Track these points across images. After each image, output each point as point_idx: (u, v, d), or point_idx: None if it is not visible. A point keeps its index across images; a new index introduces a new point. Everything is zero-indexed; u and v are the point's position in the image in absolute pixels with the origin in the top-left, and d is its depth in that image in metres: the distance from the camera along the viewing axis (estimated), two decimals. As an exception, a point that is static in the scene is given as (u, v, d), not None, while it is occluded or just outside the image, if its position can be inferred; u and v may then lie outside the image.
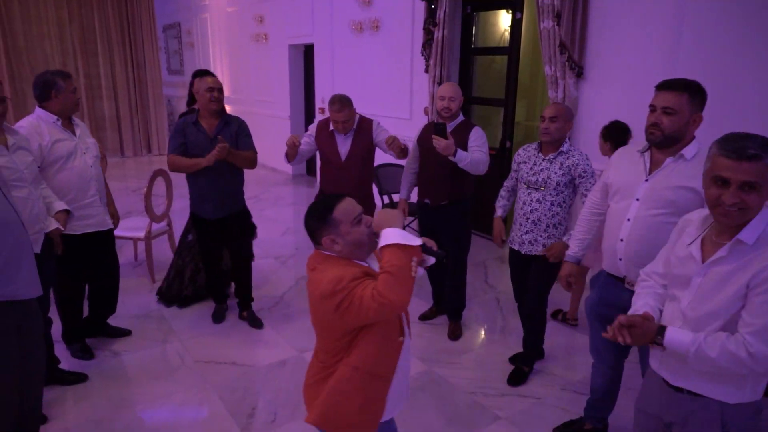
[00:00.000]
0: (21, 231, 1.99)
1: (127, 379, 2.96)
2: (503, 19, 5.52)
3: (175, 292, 3.85)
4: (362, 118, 3.38)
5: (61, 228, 2.55)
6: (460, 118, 3.25)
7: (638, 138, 3.01)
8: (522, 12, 4.63)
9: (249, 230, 3.64)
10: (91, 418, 2.62)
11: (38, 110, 2.76)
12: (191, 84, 3.27)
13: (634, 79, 3.65)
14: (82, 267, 2.99)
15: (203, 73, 3.19)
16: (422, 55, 5.23)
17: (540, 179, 2.73)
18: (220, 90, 3.16)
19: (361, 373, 1.57)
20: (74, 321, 3.10)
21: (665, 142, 1.96)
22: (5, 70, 8.17)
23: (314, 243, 1.62)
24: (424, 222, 3.48)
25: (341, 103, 3.17)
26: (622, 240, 2.08)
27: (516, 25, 4.69)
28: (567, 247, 2.56)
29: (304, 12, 7.19)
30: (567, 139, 2.75)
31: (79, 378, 2.89)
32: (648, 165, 2.05)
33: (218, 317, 3.64)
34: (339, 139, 3.33)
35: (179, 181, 3.82)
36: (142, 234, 4.17)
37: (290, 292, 4.14)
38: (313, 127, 3.46)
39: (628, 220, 2.06)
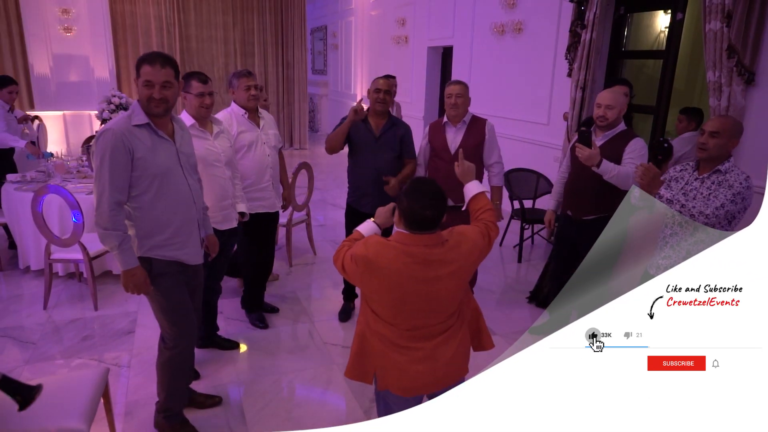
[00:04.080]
0: (192, 209, 2.27)
1: (265, 350, 3.26)
2: (660, 20, 5.14)
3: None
4: (475, 117, 3.35)
5: (240, 218, 3.01)
6: (620, 127, 3.02)
7: None
8: (684, 12, 4.27)
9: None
10: (236, 380, 2.94)
11: (232, 104, 3.19)
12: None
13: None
14: (253, 241, 3.36)
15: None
16: (566, 59, 5.05)
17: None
18: (387, 92, 3.27)
19: None
20: (252, 288, 3.50)
21: None
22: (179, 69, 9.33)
23: (437, 227, 1.78)
24: (564, 233, 3.31)
25: (458, 81, 3.29)
26: None
27: (676, 26, 4.34)
28: None
29: (446, 15, 7.28)
30: (730, 158, 2.40)
31: (232, 345, 3.24)
32: None
33: (346, 315, 3.71)
34: (450, 133, 3.31)
35: (317, 174, 4.07)
36: (284, 221, 4.54)
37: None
38: (426, 132, 3.47)
39: None
